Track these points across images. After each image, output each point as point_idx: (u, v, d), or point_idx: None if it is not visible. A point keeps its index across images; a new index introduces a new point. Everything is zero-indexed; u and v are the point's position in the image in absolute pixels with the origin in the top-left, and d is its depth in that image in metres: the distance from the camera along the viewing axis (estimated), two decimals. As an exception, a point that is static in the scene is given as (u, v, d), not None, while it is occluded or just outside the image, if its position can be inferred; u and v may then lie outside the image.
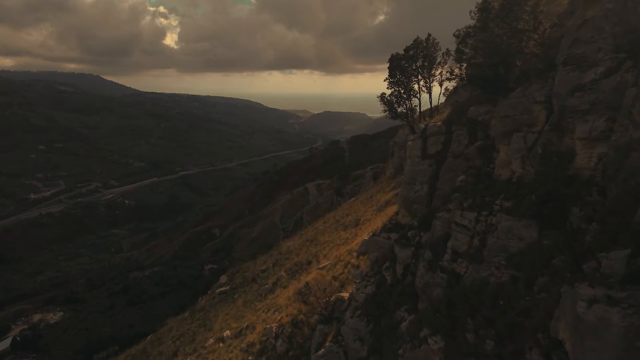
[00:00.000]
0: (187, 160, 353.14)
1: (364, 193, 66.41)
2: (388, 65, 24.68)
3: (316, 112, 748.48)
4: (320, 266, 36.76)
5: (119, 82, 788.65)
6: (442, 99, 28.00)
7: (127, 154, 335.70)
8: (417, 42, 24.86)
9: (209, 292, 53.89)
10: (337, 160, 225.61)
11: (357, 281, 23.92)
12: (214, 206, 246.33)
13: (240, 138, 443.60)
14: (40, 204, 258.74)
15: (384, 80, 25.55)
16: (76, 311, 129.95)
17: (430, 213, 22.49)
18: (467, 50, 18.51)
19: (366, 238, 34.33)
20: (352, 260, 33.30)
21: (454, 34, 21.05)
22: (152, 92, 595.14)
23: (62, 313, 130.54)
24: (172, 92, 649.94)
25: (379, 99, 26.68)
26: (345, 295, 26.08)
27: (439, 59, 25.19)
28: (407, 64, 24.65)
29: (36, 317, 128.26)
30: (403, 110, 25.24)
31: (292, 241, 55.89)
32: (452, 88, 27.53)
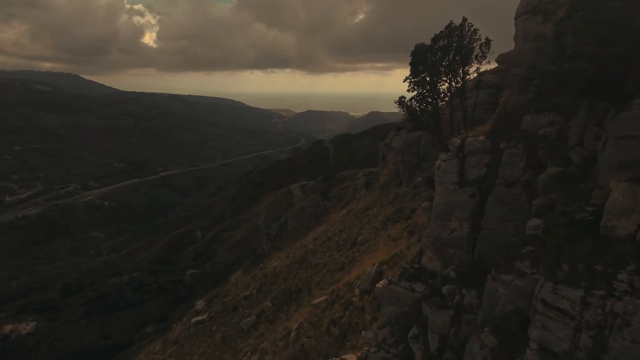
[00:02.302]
0: (169, 160, 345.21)
1: (355, 202, 59.97)
2: (410, 59, 18.36)
3: (299, 111, 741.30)
4: (314, 302, 30.23)
5: (98, 82, 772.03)
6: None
7: (106, 154, 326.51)
8: (450, 29, 18.49)
9: (184, 318, 47.21)
10: (321, 160, 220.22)
11: (372, 350, 17.51)
12: (196, 207, 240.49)
13: (223, 137, 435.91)
14: (16, 206, 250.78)
15: (404, 80, 19.16)
16: (50, 320, 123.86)
17: (475, 263, 16.20)
18: (567, 40, 12.32)
19: (369, 269, 27.97)
20: (354, 298, 26.95)
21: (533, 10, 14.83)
22: (132, 92, 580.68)
23: (35, 323, 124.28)
24: (152, 91, 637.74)
25: (396, 104, 20.45)
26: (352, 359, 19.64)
27: (476, 51, 18.96)
28: (436, 58, 18.38)
29: (7, 328, 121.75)
30: (429, 119, 18.90)
31: (277, 260, 49.16)
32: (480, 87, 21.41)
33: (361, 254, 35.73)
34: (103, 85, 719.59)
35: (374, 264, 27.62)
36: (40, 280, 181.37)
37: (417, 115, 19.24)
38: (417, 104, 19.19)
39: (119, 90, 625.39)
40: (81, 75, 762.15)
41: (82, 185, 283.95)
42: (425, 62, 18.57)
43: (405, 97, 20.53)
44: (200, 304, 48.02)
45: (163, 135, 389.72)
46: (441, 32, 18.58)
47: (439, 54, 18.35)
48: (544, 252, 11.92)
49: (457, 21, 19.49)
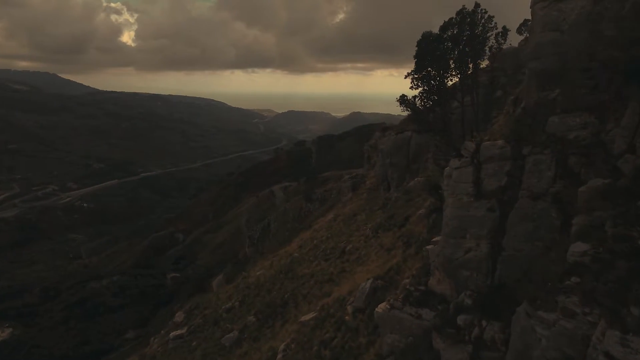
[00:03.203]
0: (149, 161, 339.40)
1: (342, 207, 57.32)
2: (416, 50, 15.65)
3: (281, 112, 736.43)
4: (302, 319, 27.53)
5: (77, 81, 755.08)
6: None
7: (85, 155, 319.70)
8: (462, 15, 15.84)
9: (162, 331, 44.13)
10: (304, 161, 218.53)
11: (374, 388, 14.99)
12: (177, 209, 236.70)
13: (204, 138, 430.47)
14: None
15: (406, 77, 16.51)
16: (27, 326, 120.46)
17: (497, 290, 13.72)
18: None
19: (362, 283, 25.38)
20: (347, 317, 24.34)
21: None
22: (111, 91, 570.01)
23: (11, 329, 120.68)
24: (132, 90, 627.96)
25: (398, 102, 17.84)
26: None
27: (490, 42, 16.33)
28: (445, 49, 15.67)
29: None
30: (437, 120, 16.14)
31: (261, 269, 46.26)
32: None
33: (351, 265, 33.13)
34: (82, 84, 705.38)
35: (368, 279, 25.04)
36: (19, 284, 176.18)
37: (423, 115, 16.57)
38: (422, 103, 16.48)
39: (98, 89, 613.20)
40: (59, 75, 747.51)
41: (60, 186, 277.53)
42: (433, 54, 15.91)
43: (407, 96, 17.97)
44: (179, 316, 44.99)
45: (143, 136, 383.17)
46: (451, 19, 15.95)
47: (449, 44, 15.68)
48: (599, 288, 9.47)
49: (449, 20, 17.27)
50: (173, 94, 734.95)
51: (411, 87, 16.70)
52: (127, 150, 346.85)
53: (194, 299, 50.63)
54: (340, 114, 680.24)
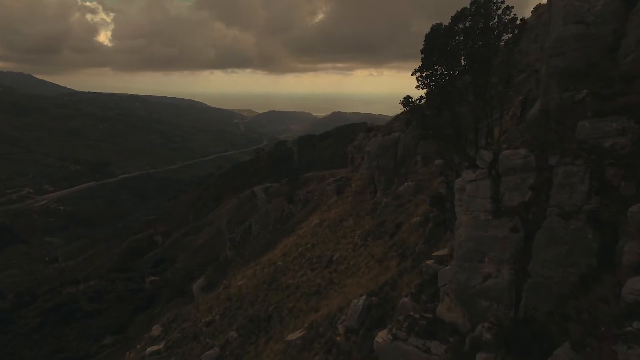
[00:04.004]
0: (128, 162, 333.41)
1: (326, 211, 55.07)
2: (423, 44, 13.56)
3: (261, 112, 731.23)
4: (289, 338, 25.21)
5: (53, 81, 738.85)
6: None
7: (62, 156, 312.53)
8: (478, 4, 13.63)
9: (138, 346, 41.38)
10: (285, 162, 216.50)
11: None
12: (156, 211, 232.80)
13: (184, 139, 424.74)
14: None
15: (413, 74, 14.39)
16: (1, 333, 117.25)
17: (523, 324, 11.64)
18: None
19: (355, 300, 23.18)
20: (338, 338, 22.14)
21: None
22: (88, 92, 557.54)
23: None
24: (110, 91, 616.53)
25: (401, 104, 15.72)
26: None
27: (506, 36, 14.21)
28: (456, 43, 13.58)
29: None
30: (447, 125, 14.01)
31: (243, 278, 43.73)
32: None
33: (339, 276, 30.91)
34: (57, 85, 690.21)
35: (361, 295, 22.86)
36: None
37: (430, 119, 14.45)
38: (431, 106, 14.33)
39: (75, 90, 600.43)
40: (34, 75, 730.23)
41: (36, 189, 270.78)
42: (442, 49, 13.78)
43: (411, 97, 15.89)
44: (156, 329, 42.27)
45: (122, 137, 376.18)
46: (464, 9, 13.84)
47: (461, 37, 13.58)
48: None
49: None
50: (152, 94, 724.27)
51: (417, 87, 14.60)
52: (104, 152, 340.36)
53: (172, 311, 47.88)
54: (321, 113, 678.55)
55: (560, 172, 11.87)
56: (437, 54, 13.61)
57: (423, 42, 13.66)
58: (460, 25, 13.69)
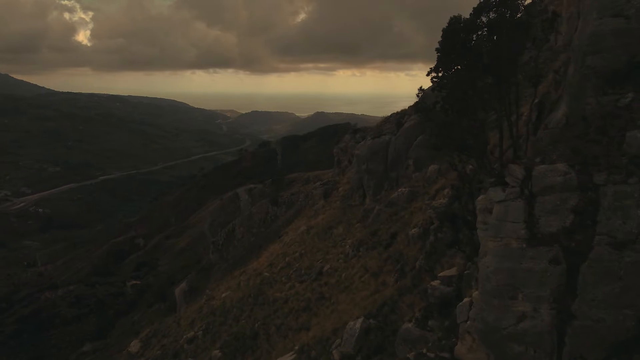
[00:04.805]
0: (108, 163, 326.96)
1: (313, 216, 52.78)
2: (440, 40, 11.43)
3: (244, 112, 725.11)
4: (279, 362, 22.99)
5: (30, 82, 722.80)
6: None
7: (40, 158, 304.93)
8: (502, -5, 11.56)
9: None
10: (268, 163, 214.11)
11: None
12: (138, 213, 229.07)
13: (166, 139, 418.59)
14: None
15: (428, 74, 12.30)
16: None
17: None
18: None
19: (351, 323, 21.01)
20: (334, 364, 19.97)
21: None
22: (68, 92, 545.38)
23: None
24: (89, 91, 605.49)
25: (414, 111, 13.55)
26: None
27: (535, 32, 12.06)
28: (479, 41, 11.47)
29: None
30: (467, 135, 11.81)
31: (227, 290, 41.23)
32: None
33: (331, 290, 28.72)
34: (36, 85, 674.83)
35: (358, 317, 20.70)
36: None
37: (448, 128, 12.25)
38: (449, 114, 12.09)
39: (53, 90, 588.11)
40: (11, 75, 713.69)
41: (13, 191, 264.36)
42: (462, 46, 11.61)
43: (425, 103, 13.70)
44: (135, 345, 39.64)
45: (102, 138, 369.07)
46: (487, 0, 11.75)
47: (485, 32, 11.43)
48: None
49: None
50: (132, 94, 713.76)
51: (432, 89, 12.40)
52: (84, 153, 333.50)
53: (152, 322, 45.27)
54: (304, 113, 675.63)
55: (609, 192, 9.86)
56: (457, 51, 11.53)
57: (441, 37, 11.56)
58: (483, 19, 11.62)
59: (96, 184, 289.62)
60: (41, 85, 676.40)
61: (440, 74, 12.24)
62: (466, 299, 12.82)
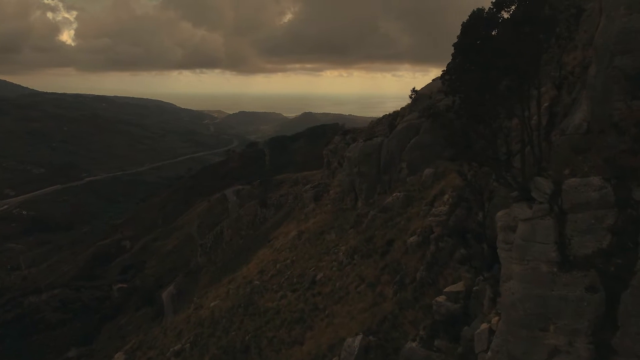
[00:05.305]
0: (94, 164, 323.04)
1: (304, 220, 51.39)
2: (458, 36, 10.12)
3: (231, 112, 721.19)
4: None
5: (14, 82, 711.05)
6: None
7: (24, 159, 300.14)
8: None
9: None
10: (256, 163, 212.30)
11: None
12: (124, 215, 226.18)
13: (153, 140, 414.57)
14: None
15: (442, 76, 10.95)
16: None
17: None
18: None
19: (349, 339, 19.69)
20: (333, 385, 18.66)
21: None
22: (52, 92, 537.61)
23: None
24: (75, 92, 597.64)
25: (425, 115, 12.11)
26: None
27: (560, 29, 10.72)
28: (500, 39, 10.17)
29: None
30: (486, 143, 10.45)
31: (216, 299, 39.59)
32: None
33: (325, 300, 27.39)
34: (19, 85, 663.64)
35: (357, 334, 19.40)
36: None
37: (464, 137, 10.88)
38: (460, 118, 10.73)
39: (37, 91, 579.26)
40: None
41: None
42: (484, 44, 10.26)
43: (437, 106, 12.39)
44: (119, 357, 37.95)
45: (88, 139, 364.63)
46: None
47: (507, 28, 10.09)
48: None
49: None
50: (118, 95, 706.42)
51: (446, 93, 10.89)
52: (70, 154, 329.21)
53: (137, 337, 43.57)
54: (291, 114, 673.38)
55: (654, 210, 8.69)
56: (476, 49, 10.16)
57: (460, 34, 10.23)
58: (507, 10, 10.27)
59: (82, 185, 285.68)
60: (25, 86, 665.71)
61: (447, 79, 10.87)
62: (484, 325, 11.57)
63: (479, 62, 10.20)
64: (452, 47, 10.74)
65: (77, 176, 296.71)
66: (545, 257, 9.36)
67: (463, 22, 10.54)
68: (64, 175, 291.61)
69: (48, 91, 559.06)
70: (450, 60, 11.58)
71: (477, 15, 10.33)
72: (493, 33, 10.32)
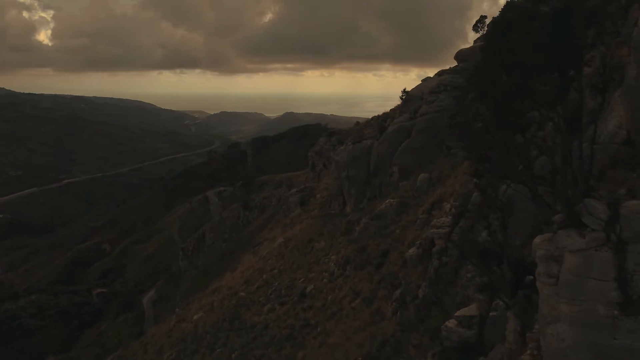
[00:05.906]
0: (73, 166, 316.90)
1: (290, 225, 49.47)
2: (488, 33, 8.51)
3: (212, 113, 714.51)
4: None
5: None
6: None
7: (0, 162, 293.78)
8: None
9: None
10: (238, 164, 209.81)
11: None
12: (104, 217, 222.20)
13: (133, 141, 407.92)
14: None
15: (469, 80, 9.26)
16: None
17: None
18: None
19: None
20: (329, 417, 16.89)
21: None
22: (30, 93, 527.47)
23: None
24: (52, 92, 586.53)
25: (451, 127, 10.46)
26: None
27: (608, 26, 9.09)
28: (539, 35, 8.56)
29: None
30: (518, 157, 8.76)
31: (200, 311, 37.50)
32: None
33: (316, 315, 25.62)
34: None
35: (356, 359, 17.65)
36: None
37: (496, 150, 9.12)
38: (488, 128, 9.04)
39: (14, 91, 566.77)
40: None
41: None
42: (520, 43, 8.61)
43: (460, 116, 10.59)
44: (96, 375, 35.59)
45: (66, 140, 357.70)
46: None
47: (547, 23, 8.47)
48: None
49: None
50: (97, 95, 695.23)
51: (473, 99, 9.21)
52: (48, 156, 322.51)
53: (116, 352, 41.24)
54: (273, 114, 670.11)
55: None
56: (510, 48, 8.50)
57: (489, 30, 8.62)
58: (544, 8, 8.60)
59: (60, 187, 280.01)
60: (1, 87, 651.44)
61: (484, 79, 9.14)
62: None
63: (514, 62, 8.53)
64: (480, 48, 9.04)
65: (56, 178, 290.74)
66: (604, 297, 7.71)
67: (494, 17, 8.83)
68: (42, 177, 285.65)
69: (25, 92, 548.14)
70: (471, 60, 9.89)
71: (512, 9, 8.62)
72: (531, 29, 8.61)
